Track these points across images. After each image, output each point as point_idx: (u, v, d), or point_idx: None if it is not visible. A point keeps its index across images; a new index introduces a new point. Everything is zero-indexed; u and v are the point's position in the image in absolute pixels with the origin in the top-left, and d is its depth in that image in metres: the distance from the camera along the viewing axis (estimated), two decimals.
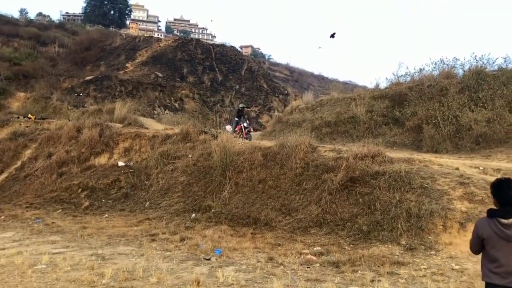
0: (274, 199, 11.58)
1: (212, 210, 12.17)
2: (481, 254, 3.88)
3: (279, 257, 8.19)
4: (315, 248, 8.73)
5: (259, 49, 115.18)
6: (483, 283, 6.17)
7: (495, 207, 3.85)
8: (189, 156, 15.41)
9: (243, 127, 18.87)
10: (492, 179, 9.97)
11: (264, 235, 10.02)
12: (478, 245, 3.87)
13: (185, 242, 9.79)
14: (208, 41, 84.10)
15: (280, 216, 10.87)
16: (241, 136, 18.37)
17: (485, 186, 9.28)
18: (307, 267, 7.52)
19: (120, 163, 17.64)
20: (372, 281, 6.49)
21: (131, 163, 17.43)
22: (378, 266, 7.26)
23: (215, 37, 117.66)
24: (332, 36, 21.79)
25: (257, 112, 53.53)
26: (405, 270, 6.98)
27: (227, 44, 70.60)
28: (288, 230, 10.14)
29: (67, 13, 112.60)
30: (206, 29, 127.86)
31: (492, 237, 3.69)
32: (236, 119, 19.50)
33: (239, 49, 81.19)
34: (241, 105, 20.99)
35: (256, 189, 12.26)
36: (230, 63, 57.80)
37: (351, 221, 9.50)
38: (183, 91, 45.01)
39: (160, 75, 49.11)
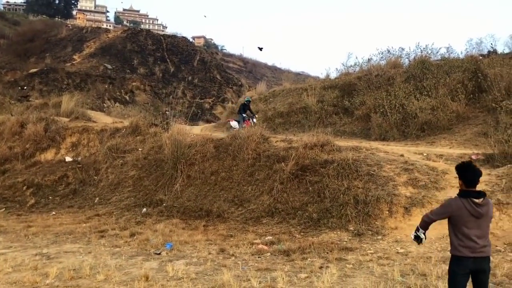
0: (227, 191, 11.55)
1: (164, 204, 11.99)
2: (449, 231, 4.14)
3: (231, 248, 8.18)
4: (266, 238, 8.80)
5: (212, 40, 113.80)
6: (426, 264, 6.45)
7: (464, 189, 4.11)
8: (140, 149, 15.08)
9: (252, 123, 16.67)
10: (434, 164, 10.43)
11: (217, 227, 9.99)
12: (441, 218, 4.18)
13: (135, 237, 9.59)
14: (159, 32, 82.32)
15: (232, 208, 10.86)
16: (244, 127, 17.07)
17: (428, 171, 9.67)
18: (258, 257, 7.56)
19: (68, 159, 17.01)
20: (320, 267, 6.62)
21: (79, 158, 16.86)
22: (327, 253, 7.40)
23: (166, 27, 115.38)
24: (260, 49, 22.91)
25: (211, 103, 53.14)
26: (352, 256, 7.16)
27: (179, 35, 69.39)
28: (241, 221, 10.15)
29: (7, 2, 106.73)
30: (157, 20, 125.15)
31: (465, 215, 3.98)
32: (243, 114, 17.09)
33: (191, 40, 79.96)
34: (246, 98, 18.42)
35: (208, 181, 12.18)
36: (182, 54, 56.97)
37: (302, 209, 9.63)
38: (133, 83, 43.90)
39: (109, 67, 47.69)
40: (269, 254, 7.64)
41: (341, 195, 9.33)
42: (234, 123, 17.34)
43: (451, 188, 8.92)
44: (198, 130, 21.65)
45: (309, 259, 7.14)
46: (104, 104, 39.32)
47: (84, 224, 11.51)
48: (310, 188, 10.02)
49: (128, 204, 12.84)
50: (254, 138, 12.33)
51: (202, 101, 53.40)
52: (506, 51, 18.33)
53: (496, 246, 7.20)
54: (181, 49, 58.02)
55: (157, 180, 13.23)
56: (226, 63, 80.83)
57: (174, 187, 12.40)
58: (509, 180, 8.43)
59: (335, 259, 6.98)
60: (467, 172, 4.09)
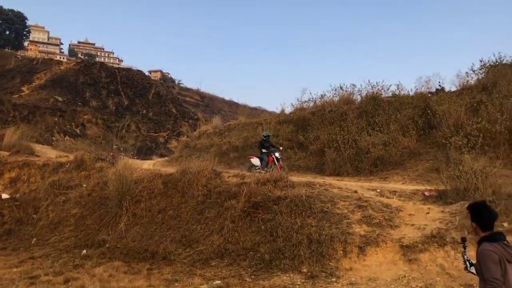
0: (174, 230, 10.86)
1: (107, 245, 11.10)
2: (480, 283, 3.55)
3: None
4: (214, 282, 8.15)
5: (168, 74, 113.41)
6: None
7: (480, 233, 3.64)
8: (84, 185, 14.18)
9: (275, 159, 15.68)
10: (388, 201, 10.24)
11: (162, 271, 9.23)
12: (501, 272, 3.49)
13: (69, 284, 8.66)
14: (114, 65, 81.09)
15: (180, 249, 10.16)
16: (272, 169, 15.10)
17: (382, 208, 9.43)
18: None
19: (4, 196, 15.76)
20: None
21: (18, 195, 15.65)
22: None
23: (122, 61, 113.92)
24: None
25: (166, 137, 52.17)
26: None
27: (134, 68, 68.58)
28: (188, 263, 9.45)
29: None
30: (113, 53, 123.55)
31: (504, 262, 3.46)
32: (264, 150, 16.00)
33: (147, 73, 79.23)
34: (265, 133, 16.93)
35: (155, 220, 11.45)
36: (137, 87, 56.16)
37: (253, 249, 9.09)
38: (85, 116, 42.55)
39: (60, 99, 46.11)
40: None
41: (294, 234, 8.89)
42: (255, 160, 15.97)
43: (405, 226, 8.69)
44: (150, 165, 20.86)
45: None
46: (53, 138, 37.72)
47: (15, 269, 10.38)
48: (263, 227, 9.53)
49: (68, 245, 11.83)
50: (205, 174, 11.80)
51: (156, 134, 52.41)
52: (453, 89, 18.94)
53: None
54: (136, 82, 57.28)
55: (100, 218, 12.34)
56: (183, 97, 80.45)
57: (119, 226, 11.57)
58: (463, 217, 8.29)
59: None
60: (483, 213, 3.64)
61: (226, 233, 9.82)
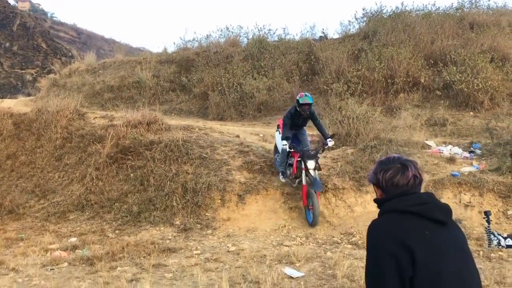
0: (27, 179, 9.23)
1: None
2: None
3: (14, 259, 6.09)
4: (70, 240, 6.93)
5: (39, 5, 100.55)
6: (260, 266, 5.49)
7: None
8: None
9: (306, 169, 7.20)
10: (271, 146, 9.74)
11: (5, 227, 7.70)
12: None
13: None
14: None
15: (32, 200, 8.65)
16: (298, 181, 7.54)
17: (264, 154, 8.86)
18: (51, 269, 5.69)
19: None
20: (131, 280, 5.11)
21: None
22: (144, 257, 5.93)
23: None
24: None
25: (34, 75, 46.71)
26: (175, 260, 5.81)
27: None
28: (41, 218, 8.04)
29: None
30: None
31: None
32: (288, 134, 7.83)
33: (12, 2, 68.91)
34: (301, 98, 7.79)
35: (2, 167, 9.63)
36: None
37: (120, 200, 7.97)
38: None
39: None
40: (66, 264, 5.82)
41: (168, 183, 7.92)
42: (279, 140, 7.99)
43: None
44: (10, 104, 17.98)
45: (118, 268, 5.55)
46: None
47: None
48: (132, 175, 8.39)
49: None
50: (66, 114, 10.11)
51: (23, 71, 46.54)
52: (336, 36, 19.07)
53: (333, 237, 6.64)
54: None
55: None
56: (56, 32, 72.64)
57: None
58: (344, 163, 8.06)
59: (152, 266, 5.53)
60: None
61: (88, 182, 8.49)
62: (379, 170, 2.00)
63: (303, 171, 7.19)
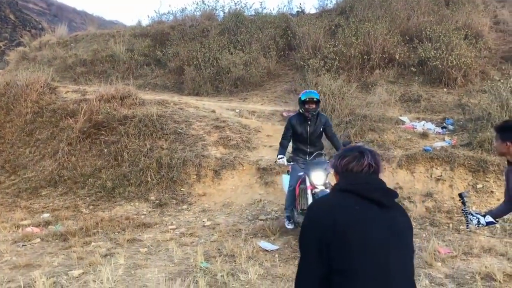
0: None
1: None
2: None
3: None
4: (42, 216, 6.82)
5: None
6: (235, 240, 5.52)
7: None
8: None
9: (313, 187, 5.33)
10: (247, 121, 9.70)
11: None
12: None
13: None
14: None
15: (2, 176, 8.46)
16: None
17: (240, 129, 8.85)
18: (23, 245, 5.61)
19: None
20: (105, 255, 5.09)
21: None
22: (119, 232, 5.90)
23: None
24: None
25: (2, 48, 45.11)
26: (149, 235, 5.80)
27: None
28: (12, 194, 7.88)
29: None
30: None
31: None
32: (283, 162, 5.78)
33: None
34: (303, 94, 5.79)
35: None
36: None
37: (94, 176, 7.86)
38: None
39: None
40: (39, 240, 5.74)
41: (143, 158, 7.85)
42: (286, 180, 6.04)
43: (263, 148, 8.26)
44: None
45: (92, 243, 5.51)
46: None
47: None
48: (105, 150, 8.26)
49: None
50: (37, 87, 9.81)
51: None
52: (313, 11, 18.95)
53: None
54: None
55: None
56: (25, 3, 69.88)
57: None
58: None
59: (127, 241, 5.51)
60: None
61: (61, 157, 8.33)
62: (338, 157, 2.10)
63: (308, 191, 5.24)
